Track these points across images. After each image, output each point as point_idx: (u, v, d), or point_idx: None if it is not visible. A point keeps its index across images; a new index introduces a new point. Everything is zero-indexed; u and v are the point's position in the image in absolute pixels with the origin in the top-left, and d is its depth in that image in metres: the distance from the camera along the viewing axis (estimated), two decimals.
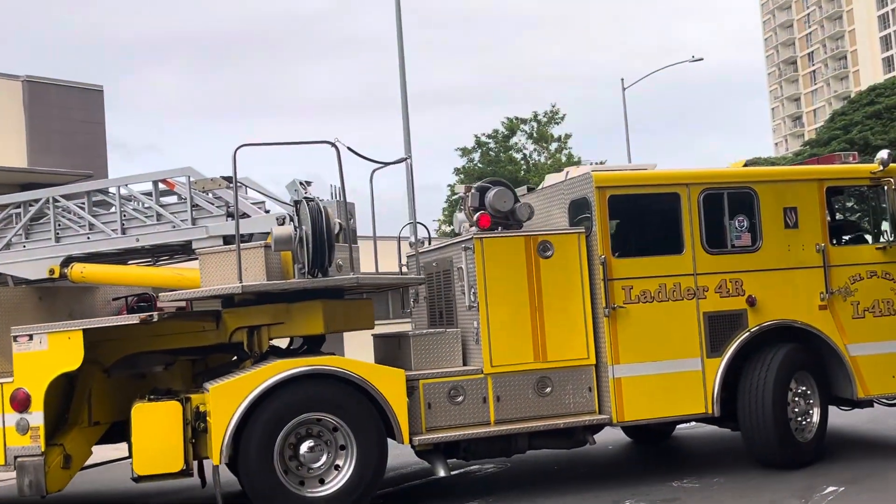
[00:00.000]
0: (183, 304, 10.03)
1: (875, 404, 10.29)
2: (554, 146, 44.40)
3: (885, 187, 9.82)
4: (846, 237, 10.34)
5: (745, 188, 9.59)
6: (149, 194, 9.45)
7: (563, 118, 43.32)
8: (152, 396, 8.50)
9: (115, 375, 9.17)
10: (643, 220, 9.90)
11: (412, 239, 10.64)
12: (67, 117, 21.04)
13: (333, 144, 8.78)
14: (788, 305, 9.55)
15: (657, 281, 9.20)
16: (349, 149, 9.01)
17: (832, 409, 10.02)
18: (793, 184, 9.77)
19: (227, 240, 8.83)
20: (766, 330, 9.46)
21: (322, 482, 8.30)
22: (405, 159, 9.91)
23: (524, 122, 43.39)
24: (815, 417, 9.67)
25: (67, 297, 10.07)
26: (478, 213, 9.09)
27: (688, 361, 9.21)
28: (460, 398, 8.72)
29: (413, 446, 8.60)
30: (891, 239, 9.88)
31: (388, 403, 8.35)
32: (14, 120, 20.46)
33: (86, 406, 9.01)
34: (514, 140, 43.10)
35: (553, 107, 44.52)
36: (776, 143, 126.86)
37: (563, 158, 46.58)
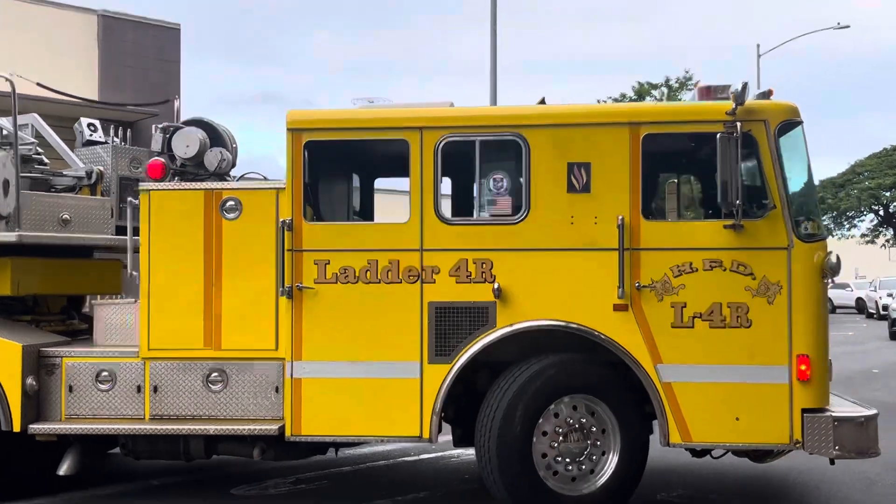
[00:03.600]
0: None
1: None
2: None
3: (735, 134, 6.47)
4: (674, 209, 7.14)
5: (508, 135, 6.88)
6: None
7: (696, 85, 36.78)
8: None
9: None
10: (356, 174, 7.56)
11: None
12: (141, 54, 21.11)
13: (8, 79, 7.65)
14: (564, 301, 6.74)
15: (365, 255, 6.91)
16: (39, 84, 7.82)
17: None
18: (587, 129, 6.84)
19: None
20: (527, 332, 6.78)
21: None
22: (168, 101, 8.44)
23: (655, 87, 37.64)
24: (610, 461, 6.80)
25: None
26: (150, 160, 7.42)
27: (401, 365, 6.85)
28: (108, 384, 7.20)
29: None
30: (764, 212, 6.62)
31: None
32: (87, 55, 20.77)
33: None
34: None
35: (686, 72, 38.01)
36: None
37: None
